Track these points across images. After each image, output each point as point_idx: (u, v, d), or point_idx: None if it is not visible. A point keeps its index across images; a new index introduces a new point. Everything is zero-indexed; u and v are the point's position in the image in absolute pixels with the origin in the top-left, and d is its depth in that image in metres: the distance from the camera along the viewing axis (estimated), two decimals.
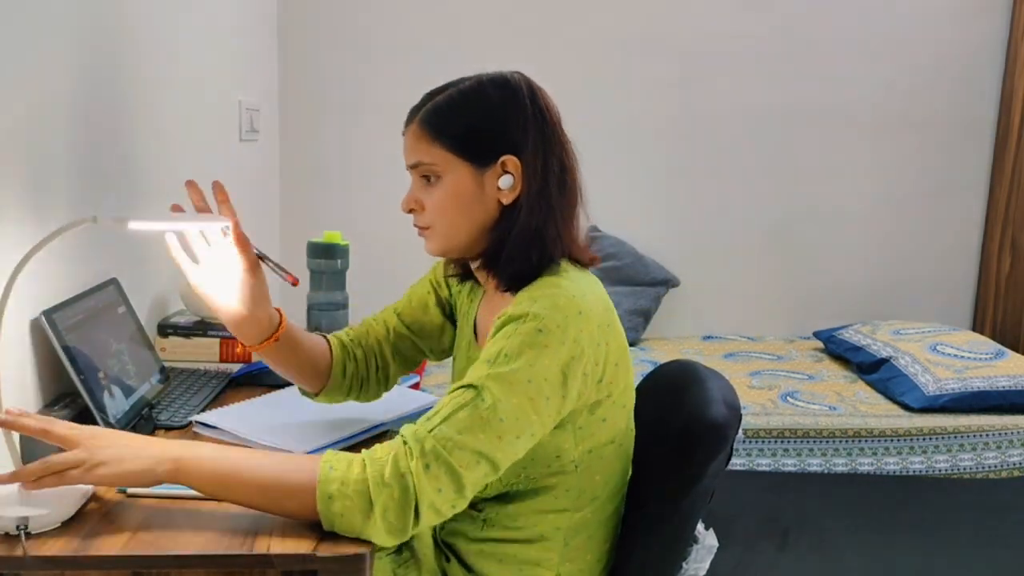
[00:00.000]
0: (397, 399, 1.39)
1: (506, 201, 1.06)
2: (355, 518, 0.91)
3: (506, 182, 1.05)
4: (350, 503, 0.91)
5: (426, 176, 1.08)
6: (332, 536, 0.94)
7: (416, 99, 1.11)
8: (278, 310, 1.18)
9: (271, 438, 1.19)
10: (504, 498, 1.10)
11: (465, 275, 1.21)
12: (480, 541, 1.12)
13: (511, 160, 1.05)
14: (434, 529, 1.24)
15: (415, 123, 1.08)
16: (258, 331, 1.14)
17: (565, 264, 1.08)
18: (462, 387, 0.96)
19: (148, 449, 0.94)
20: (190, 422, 1.28)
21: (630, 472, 1.16)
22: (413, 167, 1.09)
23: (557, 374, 0.96)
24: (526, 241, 1.05)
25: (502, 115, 1.06)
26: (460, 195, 1.06)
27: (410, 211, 1.11)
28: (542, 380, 0.95)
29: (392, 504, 0.91)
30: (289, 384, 1.45)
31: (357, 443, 1.22)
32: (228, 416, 1.29)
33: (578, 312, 0.98)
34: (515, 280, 1.06)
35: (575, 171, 1.11)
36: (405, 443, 0.94)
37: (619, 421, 1.08)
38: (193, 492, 1.06)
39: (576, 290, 1.01)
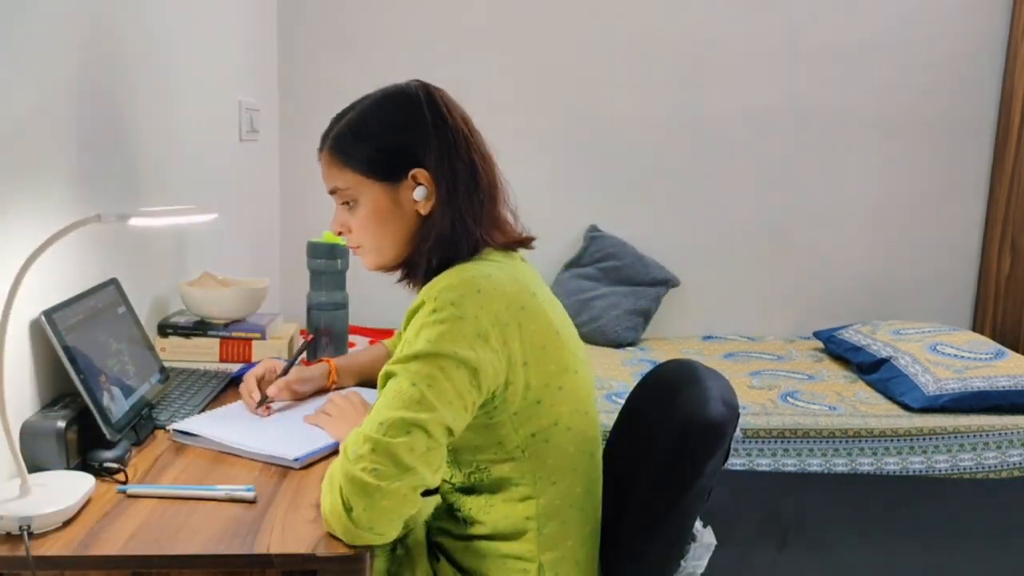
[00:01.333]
0: None
1: (424, 211, 1.10)
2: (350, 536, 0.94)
3: (420, 193, 1.09)
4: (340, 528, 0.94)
5: (346, 200, 1.13)
6: (332, 536, 0.94)
7: None
8: (328, 361, 1.45)
9: (254, 444, 1.18)
10: (472, 491, 1.13)
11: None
12: (465, 539, 1.14)
13: (420, 172, 1.09)
14: (426, 529, 1.25)
15: (325, 150, 1.13)
16: (319, 386, 1.43)
17: (488, 251, 1.11)
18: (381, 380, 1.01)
19: None
20: (170, 430, 1.26)
21: (597, 455, 1.17)
22: (331, 193, 1.14)
23: (462, 345, 0.98)
24: (437, 244, 1.09)
25: (403, 130, 1.09)
26: (379, 213, 1.10)
27: (339, 234, 1.17)
28: (448, 350, 0.97)
29: (365, 515, 0.92)
30: None
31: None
32: (208, 423, 1.27)
33: (476, 290, 1.01)
34: (426, 281, 1.08)
35: (487, 163, 1.13)
36: (348, 457, 0.95)
37: (559, 404, 1.09)
38: (192, 492, 1.06)
39: (478, 271, 1.03)
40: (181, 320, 1.65)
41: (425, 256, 1.10)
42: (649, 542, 1.10)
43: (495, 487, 1.10)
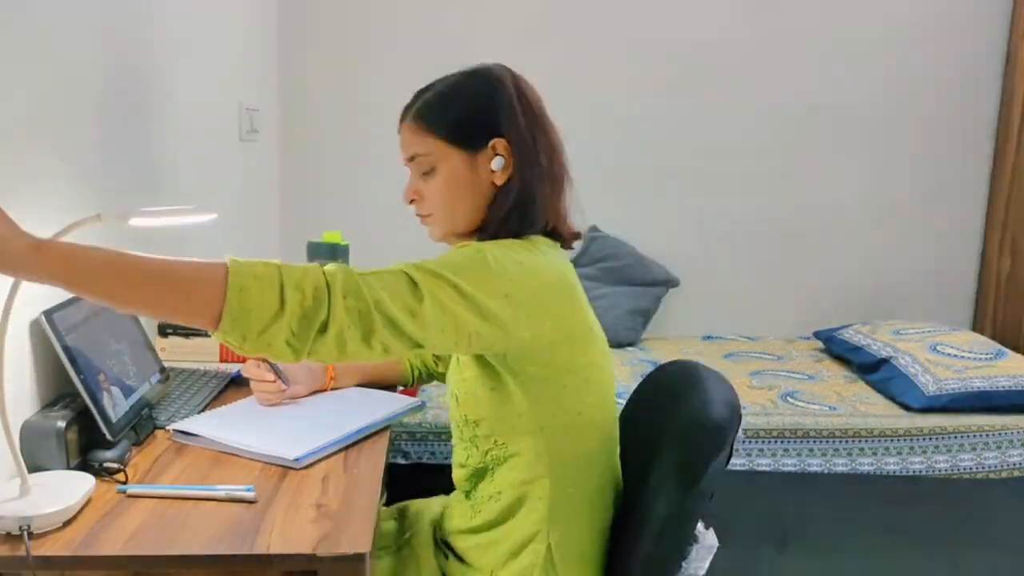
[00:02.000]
0: (384, 401, 1.39)
1: (499, 182, 1.12)
2: (265, 314, 0.86)
3: (498, 163, 1.11)
4: (265, 298, 0.86)
5: (423, 167, 1.14)
6: (332, 536, 0.94)
7: None
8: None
9: (254, 444, 1.18)
10: (487, 473, 1.14)
11: None
12: (474, 533, 1.15)
13: (500, 142, 1.11)
14: (433, 529, 1.24)
15: (408, 118, 1.15)
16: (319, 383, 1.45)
17: (536, 239, 1.13)
18: (399, 269, 0.96)
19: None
20: (170, 430, 1.26)
21: (615, 456, 1.18)
22: (410, 160, 1.15)
23: (485, 272, 0.98)
24: (509, 214, 1.11)
25: (487, 101, 1.12)
26: (456, 182, 1.12)
27: (411, 202, 1.18)
28: (469, 266, 0.98)
29: (298, 311, 0.87)
30: None
31: (346, 446, 1.22)
32: (208, 423, 1.27)
33: (519, 262, 1.03)
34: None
35: (560, 151, 1.17)
36: (327, 272, 0.91)
37: (584, 395, 1.10)
38: (193, 492, 1.06)
39: (527, 254, 1.05)
40: None
41: (495, 224, 1.12)
42: (651, 544, 1.10)
43: (511, 465, 1.11)
